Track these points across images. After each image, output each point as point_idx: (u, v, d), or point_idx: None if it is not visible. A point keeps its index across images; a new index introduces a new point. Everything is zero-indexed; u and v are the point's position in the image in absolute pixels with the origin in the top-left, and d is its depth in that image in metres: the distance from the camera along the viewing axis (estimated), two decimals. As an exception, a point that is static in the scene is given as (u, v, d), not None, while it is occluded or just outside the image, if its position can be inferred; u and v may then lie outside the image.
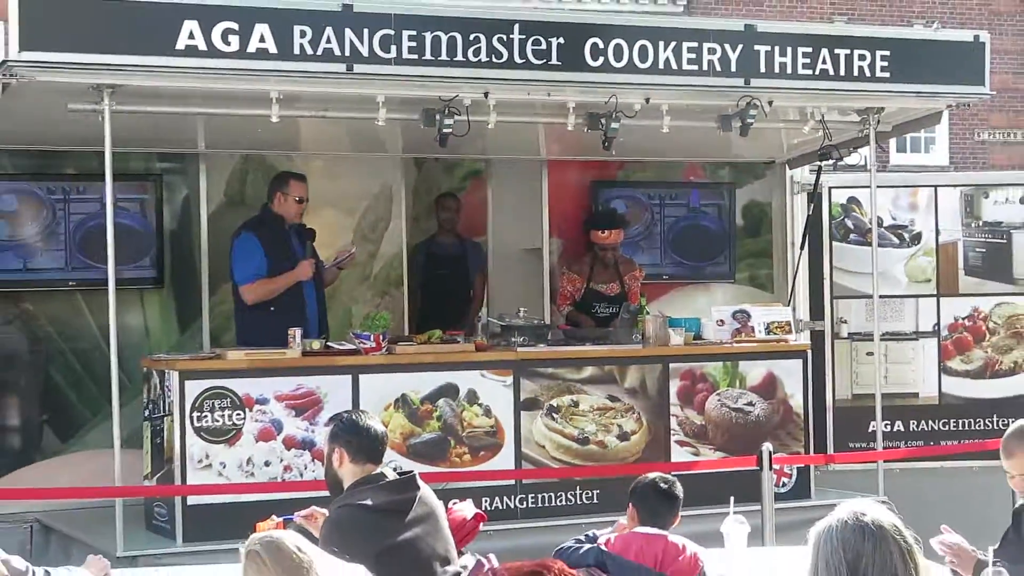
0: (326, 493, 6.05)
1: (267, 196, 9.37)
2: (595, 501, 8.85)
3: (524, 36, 8.13)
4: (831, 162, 10.30)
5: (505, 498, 8.77)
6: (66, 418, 9.47)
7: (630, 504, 6.52)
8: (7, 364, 9.51)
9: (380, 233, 10.59)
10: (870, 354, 10.09)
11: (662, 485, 6.50)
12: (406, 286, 10.66)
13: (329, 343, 8.69)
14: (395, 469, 6.16)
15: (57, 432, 9.54)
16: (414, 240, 10.73)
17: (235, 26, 7.59)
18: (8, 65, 7.33)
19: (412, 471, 6.16)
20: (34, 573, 5.67)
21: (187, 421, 8.11)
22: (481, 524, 6.51)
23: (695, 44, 8.49)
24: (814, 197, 10.64)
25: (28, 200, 9.55)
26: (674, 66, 8.43)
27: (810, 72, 8.76)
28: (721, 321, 9.55)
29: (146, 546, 8.07)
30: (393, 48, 7.87)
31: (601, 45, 8.28)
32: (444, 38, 7.97)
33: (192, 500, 8.14)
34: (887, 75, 8.92)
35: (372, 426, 6.03)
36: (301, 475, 8.22)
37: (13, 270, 9.42)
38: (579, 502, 8.93)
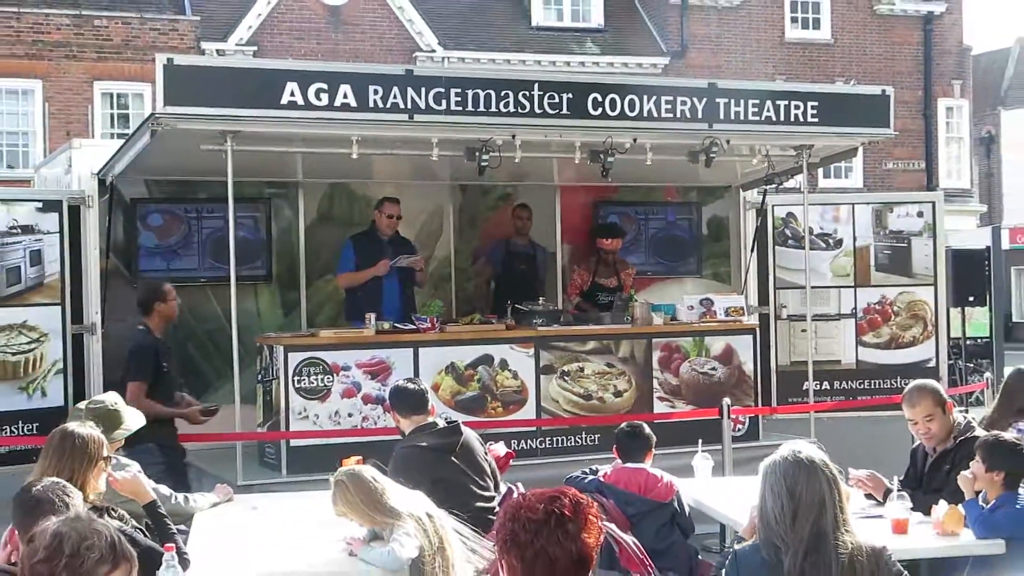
0: (394, 437, 6.06)
1: (372, 213, 9.50)
2: (596, 443, 8.81)
3: (542, 92, 8.09)
4: (774, 186, 10.30)
5: (529, 441, 8.76)
6: (199, 381, 9.46)
7: (614, 445, 6.64)
8: (155, 341, 9.53)
9: (434, 241, 10.56)
10: (804, 331, 10.04)
11: (627, 428, 6.67)
12: (453, 281, 10.61)
13: (396, 324, 8.69)
14: (445, 419, 6.18)
15: (192, 391, 9.47)
16: (460, 247, 10.68)
17: (325, 86, 7.59)
18: (156, 116, 7.36)
19: (457, 420, 6.18)
20: (175, 497, 5.71)
21: (290, 383, 8.14)
22: (511, 460, 6.53)
23: (671, 98, 8.44)
24: (761, 212, 10.60)
25: (170, 217, 9.57)
26: (655, 114, 8.38)
27: (758, 118, 8.69)
28: (691, 306, 9.52)
29: (259, 477, 8.11)
30: (444, 102, 7.85)
31: (600, 99, 8.23)
32: (482, 94, 7.95)
33: (294, 443, 8.18)
34: (816, 120, 8.84)
35: (407, 387, 6.07)
36: (375, 424, 8.23)
37: (159, 270, 9.41)
38: (584, 444, 8.91)
